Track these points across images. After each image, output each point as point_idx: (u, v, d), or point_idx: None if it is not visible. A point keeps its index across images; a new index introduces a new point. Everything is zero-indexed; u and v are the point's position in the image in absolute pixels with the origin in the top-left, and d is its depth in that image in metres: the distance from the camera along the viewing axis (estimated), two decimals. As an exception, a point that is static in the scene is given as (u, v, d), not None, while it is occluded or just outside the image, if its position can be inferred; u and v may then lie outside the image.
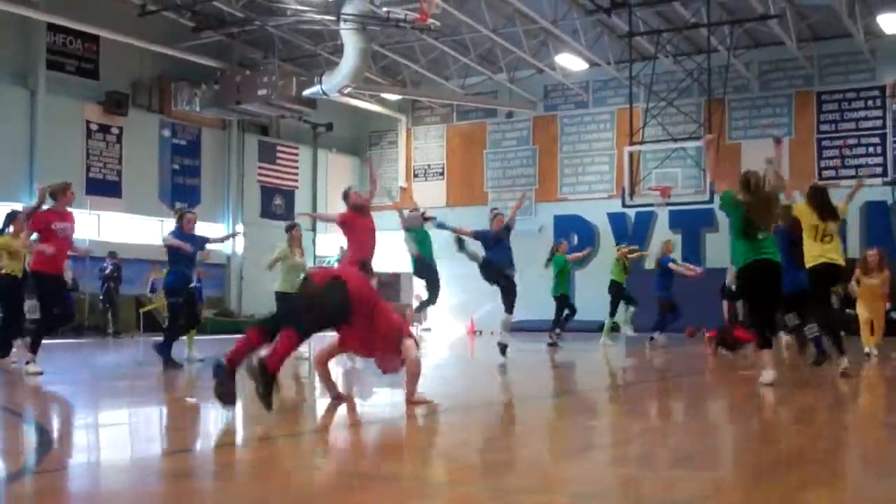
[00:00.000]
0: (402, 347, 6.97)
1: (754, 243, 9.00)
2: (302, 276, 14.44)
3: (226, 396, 6.20)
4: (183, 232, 12.59)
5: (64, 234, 11.02)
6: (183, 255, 12.47)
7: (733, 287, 20.99)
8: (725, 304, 21.61)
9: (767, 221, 9.04)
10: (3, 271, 11.94)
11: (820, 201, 10.31)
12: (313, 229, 29.07)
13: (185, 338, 13.29)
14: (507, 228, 13.88)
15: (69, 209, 11.31)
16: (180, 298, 12.45)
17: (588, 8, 24.04)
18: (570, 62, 27.66)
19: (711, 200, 23.99)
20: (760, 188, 9.01)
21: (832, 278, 10.43)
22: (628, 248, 20.51)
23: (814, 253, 10.25)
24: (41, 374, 10.34)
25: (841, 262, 10.42)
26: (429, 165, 32.42)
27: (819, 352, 11.06)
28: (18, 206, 22.58)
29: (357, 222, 12.60)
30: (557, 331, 18.32)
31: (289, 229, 14.39)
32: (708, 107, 25.00)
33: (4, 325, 11.93)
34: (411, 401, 7.04)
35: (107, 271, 22.52)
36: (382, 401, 8.27)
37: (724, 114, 26.91)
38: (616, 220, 28.41)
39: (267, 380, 6.17)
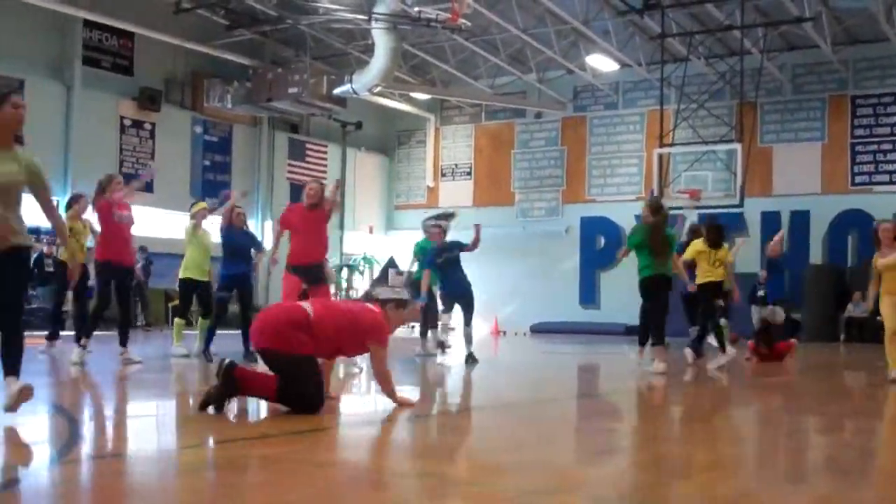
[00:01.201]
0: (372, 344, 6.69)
1: (655, 259, 11.35)
2: None
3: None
4: (233, 226, 12.58)
5: (122, 221, 11.11)
6: (239, 251, 12.54)
7: (760, 293, 20.84)
8: (754, 309, 21.46)
9: (656, 245, 11.41)
10: (61, 258, 12.14)
11: (715, 235, 12.96)
12: (341, 227, 29.21)
13: (198, 329, 13.31)
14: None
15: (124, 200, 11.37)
16: (229, 294, 12.51)
17: (620, 9, 23.98)
18: (601, 63, 27.59)
19: (741, 204, 23.90)
20: (663, 210, 11.80)
21: (716, 292, 13.10)
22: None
23: (705, 273, 12.86)
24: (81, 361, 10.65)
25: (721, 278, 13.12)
26: (456, 165, 32.46)
27: (697, 347, 13.31)
28: (60, 199, 23.01)
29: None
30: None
31: None
32: (740, 110, 24.88)
33: (55, 310, 12.17)
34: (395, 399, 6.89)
35: (137, 265, 22.71)
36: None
37: (756, 117, 26.75)
38: (644, 222, 28.29)
39: (229, 390, 6.22)
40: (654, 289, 11.50)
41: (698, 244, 13.01)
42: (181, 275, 13.24)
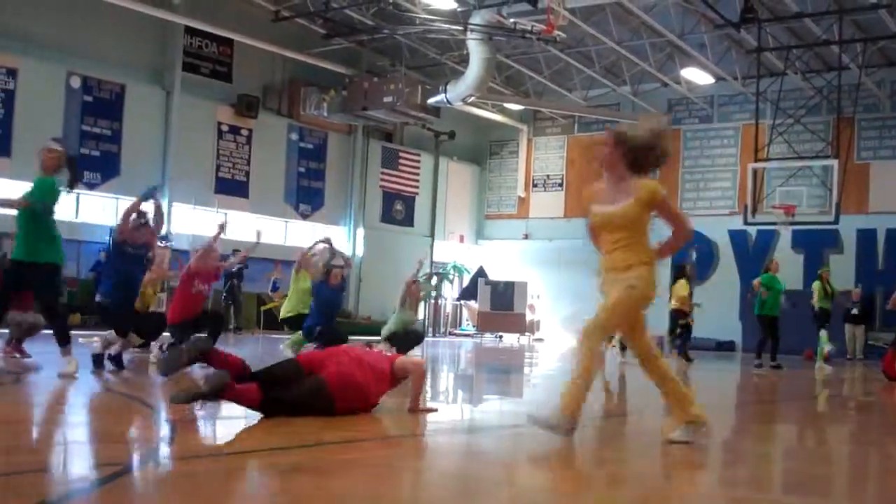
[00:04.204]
0: (401, 369, 6.83)
1: None
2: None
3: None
4: (329, 286, 13.51)
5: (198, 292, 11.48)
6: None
7: (854, 311, 20.46)
8: (847, 327, 21.06)
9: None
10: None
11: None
12: (431, 236, 29.39)
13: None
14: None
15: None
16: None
17: (716, 22, 23.74)
18: (696, 76, 27.36)
19: (836, 221, 23.46)
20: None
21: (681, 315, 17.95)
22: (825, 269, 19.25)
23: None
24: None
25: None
26: (548, 176, 32.44)
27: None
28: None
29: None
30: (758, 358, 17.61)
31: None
32: (836, 125, 24.47)
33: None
34: (416, 409, 6.91)
35: (232, 269, 23.18)
36: (492, 408, 8.35)
37: (853, 133, 26.26)
38: (737, 237, 27.99)
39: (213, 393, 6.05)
40: None
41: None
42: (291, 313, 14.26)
